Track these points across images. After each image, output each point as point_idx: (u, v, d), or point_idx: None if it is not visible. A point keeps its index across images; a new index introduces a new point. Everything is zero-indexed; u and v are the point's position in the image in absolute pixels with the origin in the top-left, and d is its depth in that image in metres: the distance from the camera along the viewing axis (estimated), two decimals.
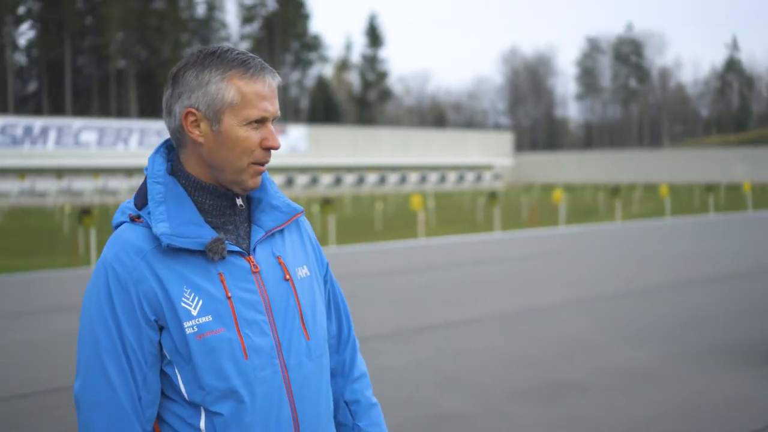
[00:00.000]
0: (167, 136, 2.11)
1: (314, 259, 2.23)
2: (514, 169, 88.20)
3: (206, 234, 1.97)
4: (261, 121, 2.00)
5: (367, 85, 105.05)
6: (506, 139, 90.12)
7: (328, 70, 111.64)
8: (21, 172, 56.43)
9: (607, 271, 15.28)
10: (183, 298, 1.93)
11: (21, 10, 80.00)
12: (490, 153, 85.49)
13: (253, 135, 1.99)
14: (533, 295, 12.34)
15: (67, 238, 24.77)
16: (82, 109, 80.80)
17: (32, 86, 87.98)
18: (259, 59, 2.03)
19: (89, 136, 60.25)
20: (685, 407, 6.50)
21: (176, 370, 1.97)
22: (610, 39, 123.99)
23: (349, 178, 71.87)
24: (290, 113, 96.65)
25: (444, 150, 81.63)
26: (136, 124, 63.96)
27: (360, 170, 73.81)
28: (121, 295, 1.92)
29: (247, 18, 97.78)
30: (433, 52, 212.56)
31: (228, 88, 1.95)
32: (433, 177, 77.65)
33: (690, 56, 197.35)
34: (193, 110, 1.97)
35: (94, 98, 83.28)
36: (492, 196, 26.79)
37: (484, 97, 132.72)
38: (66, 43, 79.34)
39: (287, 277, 2.07)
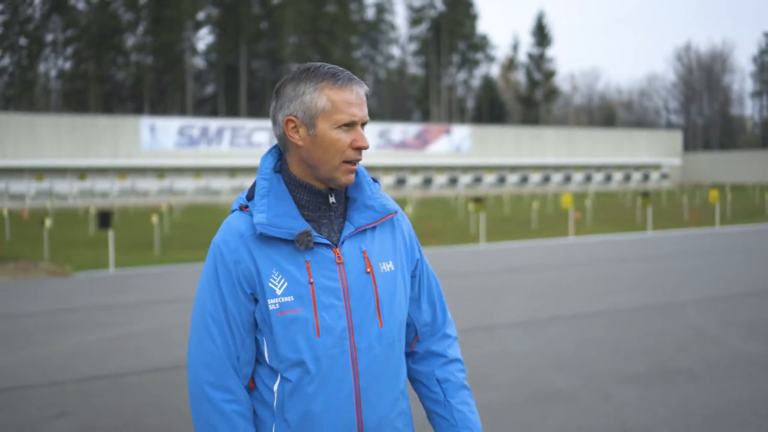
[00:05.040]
0: None
1: (404, 255, 2.45)
2: (683, 169, 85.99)
3: (298, 226, 2.25)
4: (350, 125, 2.26)
5: (533, 84, 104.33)
6: (675, 138, 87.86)
7: (494, 70, 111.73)
8: (197, 171, 59.32)
9: (746, 270, 15.32)
10: (271, 279, 2.24)
11: (200, 15, 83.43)
12: (659, 152, 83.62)
13: (344, 137, 2.25)
14: (666, 291, 12.69)
15: None
16: (256, 111, 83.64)
17: (210, 89, 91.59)
18: (348, 72, 2.29)
19: (261, 137, 62.37)
20: None
21: (263, 338, 2.29)
22: None
23: (513, 178, 71.91)
24: (456, 113, 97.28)
25: (611, 149, 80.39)
26: None
27: (523, 169, 73.73)
28: (224, 271, 2.27)
29: (415, 20, 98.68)
30: (603, 50, 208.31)
31: (320, 97, 2.23)
32: (599, 177, 76.73)
33: None
34: (293, 118, 2.26)
35: (267, 100, 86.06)
36: (645, 195, 26.76)
37: (656, 95, 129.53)
38: (242, 47, 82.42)
39: (368, 269, 2.31)
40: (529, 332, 9.78)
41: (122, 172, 56.73)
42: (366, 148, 2.28)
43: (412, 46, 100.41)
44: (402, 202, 40.24)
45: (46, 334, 10.14)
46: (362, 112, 2.28)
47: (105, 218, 17.41)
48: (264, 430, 2.31)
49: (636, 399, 6.83)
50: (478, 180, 69.31)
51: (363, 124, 2.29)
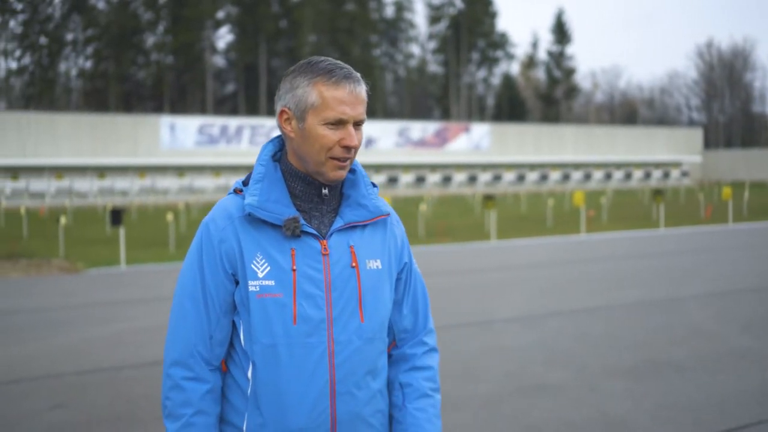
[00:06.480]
0: None
1: (392, 257, 2.45)
2: (703, 167, 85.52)
3: (288, 213, 2.27)
4: (340, 123, 2.26)
5: (553, 82, 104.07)
6: (696, 135, 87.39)
7: (514, 68, 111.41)
8: (216, 170, 59.55)
9: (750, 266, 15.32)
10: (254, 261, 2.26)
11: (220, 14, 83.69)
12: (679, 150, 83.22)
13: (331, 134, 2.25)
14: (667, 287, 12.72)
15: None
16: (275, 110, 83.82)
17: (229, 88, 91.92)
18: (348, 69, 2.30)
19: None
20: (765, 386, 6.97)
21: (240, 321, 2.32)
22: None
23: (532, 176, 71.73)
24: (475, 111, 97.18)
25: (630, 147, 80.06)
26: None
27: (543, 168, 73.56)
28: (208, 249, 2.31)
29: (434, 18, 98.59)
30: (624, 47, 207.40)
31: (312, 92, 2.25)
32: (618, 174, 76.41)
33: None
34: (286, 109, 2.31)
35: None
36: (657, 192, 26.73)
37: (677, 92, 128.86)
38: (261, 46, 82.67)
39: (353, 264, 2.33)
40: (527, 326, 9.85)
41: (142, 170, 57.01)
42: (354, 147, 2.28)
43: (432, 44, 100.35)
44: (420, 200, 40.30)
45: (50, 329, 10.31)
46: (355, 111, 2.27)
47: (116, 215, 17.60)
48: (237, 418, 2.33)
49: (622, 391, 6.90)
50: (497, 178, 69.17)
51: (357, 123, 2.29)
